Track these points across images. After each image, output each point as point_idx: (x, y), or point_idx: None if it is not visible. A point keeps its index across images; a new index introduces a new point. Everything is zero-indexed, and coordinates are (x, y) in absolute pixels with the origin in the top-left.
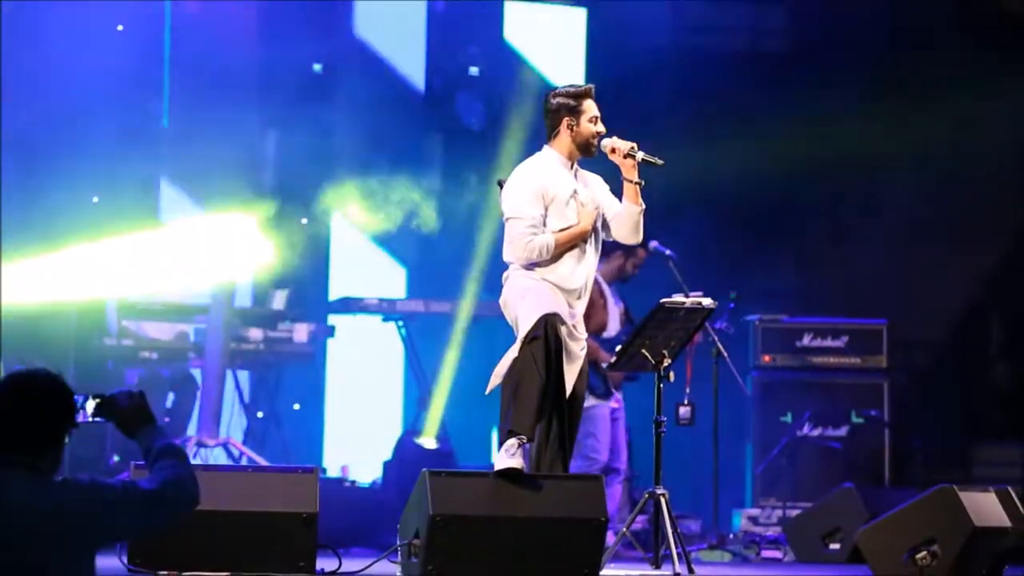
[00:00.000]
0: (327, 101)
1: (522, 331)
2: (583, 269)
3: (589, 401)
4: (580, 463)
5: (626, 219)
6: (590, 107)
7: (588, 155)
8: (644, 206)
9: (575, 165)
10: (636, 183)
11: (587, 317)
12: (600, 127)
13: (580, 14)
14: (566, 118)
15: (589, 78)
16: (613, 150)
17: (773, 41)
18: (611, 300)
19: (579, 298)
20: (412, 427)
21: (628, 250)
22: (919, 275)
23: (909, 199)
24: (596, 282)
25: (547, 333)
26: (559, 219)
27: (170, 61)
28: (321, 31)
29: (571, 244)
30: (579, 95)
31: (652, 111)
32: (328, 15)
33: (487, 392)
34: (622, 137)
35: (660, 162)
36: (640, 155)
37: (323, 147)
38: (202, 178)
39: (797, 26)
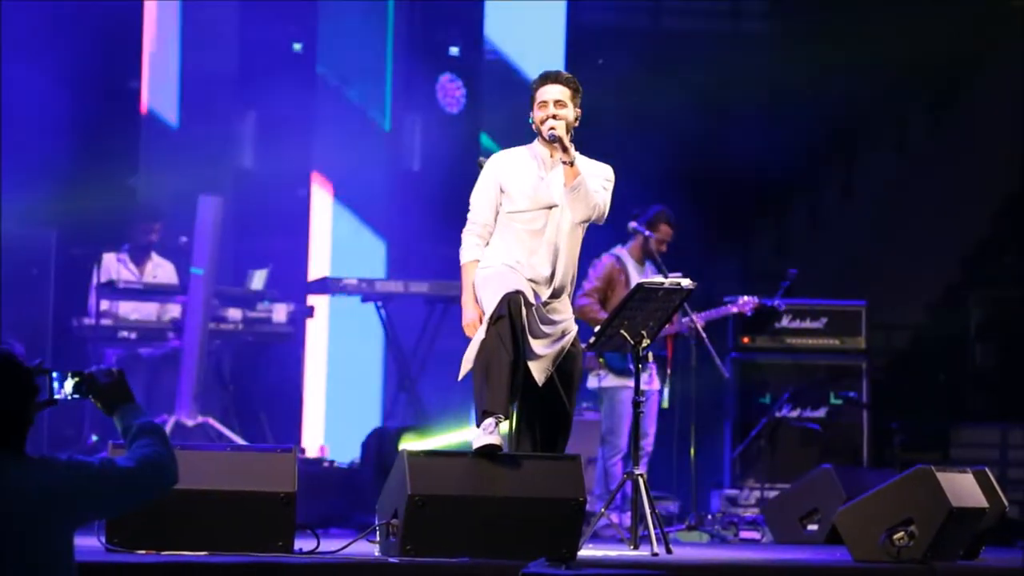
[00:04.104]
0: (306, 80)
1: (487, 312)
2: (544, 258)
3: (608, 381)
4: (601, 449)
5: (565, 199)
6: (541, 93)
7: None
8: (572, 185)
9: (557, 155)
10: (563, 162)
11: (605, 296)
12: (547, 111)
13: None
14: (530, 111)
15: (569, 62)
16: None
17: (752, 24)
18: (636, 278)
19: (547, 286)
20: (397, 417)
21: (648, 227)
22: (898, 256)
23: (887, 180)
24: (618, 260)
25: (511, 311)
26: (509, 204)
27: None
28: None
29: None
30: (534, 83)
31: (631, 94)
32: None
33: (459, 378)
34: (576, 120)
35: (550, 142)
36: (547, 136)
37: (304, 127)
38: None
39: (774, 8)
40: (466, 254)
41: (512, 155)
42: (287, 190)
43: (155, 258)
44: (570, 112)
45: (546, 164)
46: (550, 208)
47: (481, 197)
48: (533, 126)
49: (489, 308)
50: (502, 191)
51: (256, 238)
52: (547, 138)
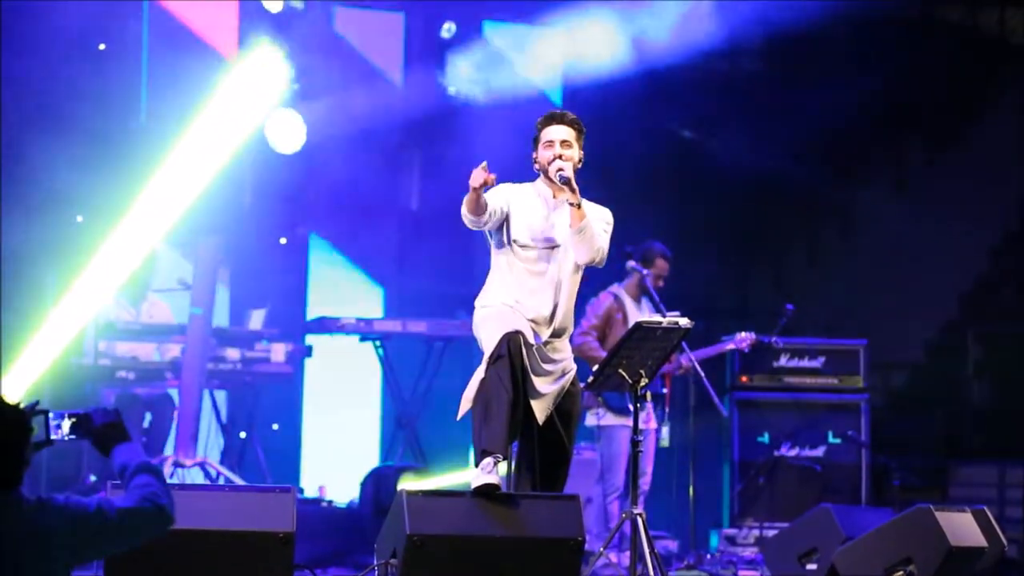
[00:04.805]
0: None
1: (486, 352)
2: (544, 299)
3: (607, 419)
4: (596, 487)
5: (570, 239)
6: (546, 133)
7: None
8: (578, 227)
9: (560, 195)
10: (570, 204)
11: (603, 335)
12: (554, 151)
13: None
14: (533, 151)
15: (565, 99)
16: (552, 173)
17: (749, 63)
18: (634, 316)
19: (548, 326)
20: (395, 457)
21: (643, 263)
22: (896, 295)
23: (886, 219)
24: (616, 298)
25: (511, 351)
26: (513, 231)
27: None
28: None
29: (470, 200)
30: (539, 123)
31: (628, 133)
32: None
33: (458, 417)
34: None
35: (560, 183)
36: (556, 177)
37: (299, 165)
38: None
39: (770, 47)
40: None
41: (519, 188)
42: (286, 230)
43: (151, 297)
44: (575, 153)
45: (549, 204)
46: (553, 248)
47: (490, 196)
48: (536, 165)
49: (489, 347)
50: (508, 214)
51: (254, 278)
52: (556, 179)
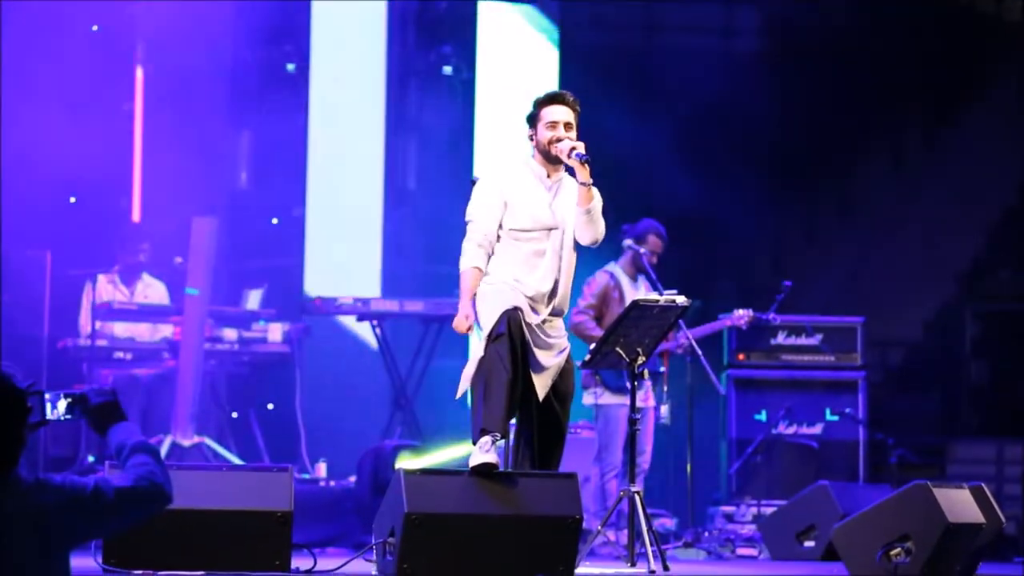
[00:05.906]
0: (298, 100)
1: (485, 330)
2: (544, 277)
3: (604, 398)
4: (594, 466)
5: (575, 219)
6: (549, 113)
7: (555, 161)
8: (588, 207)
9: (555, 175)
10: (581, 183)
11: (600, 313)
12: (557, 132)
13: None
14: (529, 128)
15: (561, 78)
16: (563, 152)
17: (746, 40)
18: (630, 294)
19: (546, 304)
20: (393, 437)
21: (637, 241)
22: (894, 273)
23: (883, 197)
24: (612, 276)
25: (511, 329)
26: (512, 220)
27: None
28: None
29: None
30: (540, 102)
31: (624, 111)
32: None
33: (457, 396)
34: (582, 140)
35: (580, 162)
36: (573, 156)
37: (296, 146)
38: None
39: (770, 25)
40: (466, 260)
41: (513, 171)
42: (282, 210)
43: (145, 278)
44: (574, 134)
45: (545, 183)
46: (552, 228)
47: (483, 209)
48: (535, 143)
49: (488, 325)
50: (506, 205)
51: (251, 258)
52: (576, 158)
